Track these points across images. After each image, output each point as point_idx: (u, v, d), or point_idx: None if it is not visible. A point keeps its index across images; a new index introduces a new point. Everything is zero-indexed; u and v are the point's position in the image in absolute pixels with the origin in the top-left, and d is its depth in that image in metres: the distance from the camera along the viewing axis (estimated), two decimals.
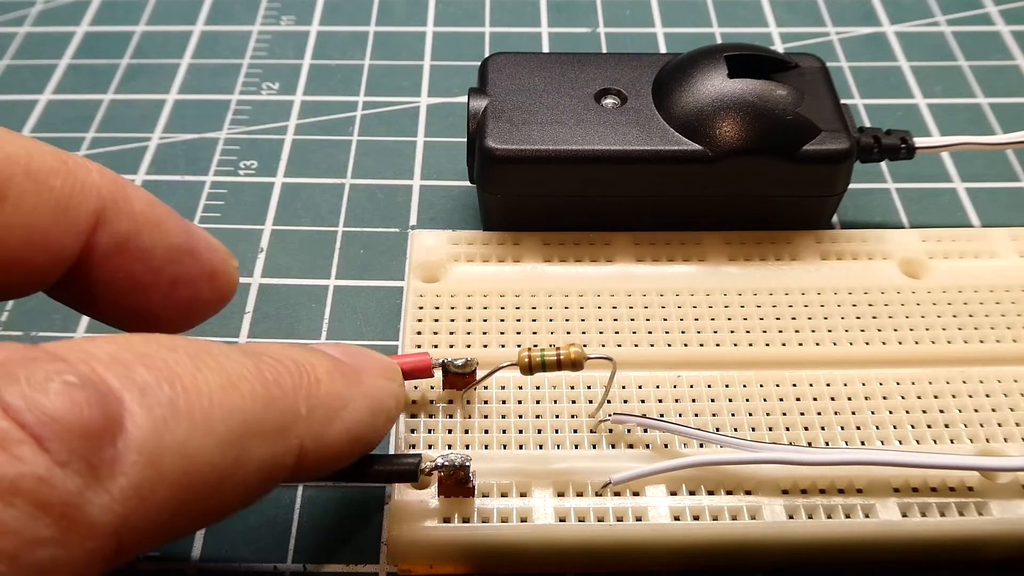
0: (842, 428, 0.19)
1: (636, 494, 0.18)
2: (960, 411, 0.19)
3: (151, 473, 0.12)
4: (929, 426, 0.19)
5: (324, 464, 0.15)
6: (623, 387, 0.20)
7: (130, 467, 0.12)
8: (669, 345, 0.21)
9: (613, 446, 0.19)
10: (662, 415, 0.19)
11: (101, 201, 0.16)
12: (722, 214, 0.23)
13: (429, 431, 0.19)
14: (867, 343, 0.21)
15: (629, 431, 0.19)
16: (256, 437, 0.13)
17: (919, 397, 0.20)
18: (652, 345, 0.21)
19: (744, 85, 0.22)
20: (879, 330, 0.21)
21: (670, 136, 0.22)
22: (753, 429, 0.19)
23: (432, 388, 0.19)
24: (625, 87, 0.23)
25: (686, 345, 0.21)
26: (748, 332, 0.21)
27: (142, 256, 0.16)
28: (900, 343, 0.21)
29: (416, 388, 0.19)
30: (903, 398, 0.20)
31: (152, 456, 0.12)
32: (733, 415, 0.19)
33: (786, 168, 0.22)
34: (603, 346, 0.20)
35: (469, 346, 0.20)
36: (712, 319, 0.21)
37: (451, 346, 0.20)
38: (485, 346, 0.20)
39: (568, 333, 0.21)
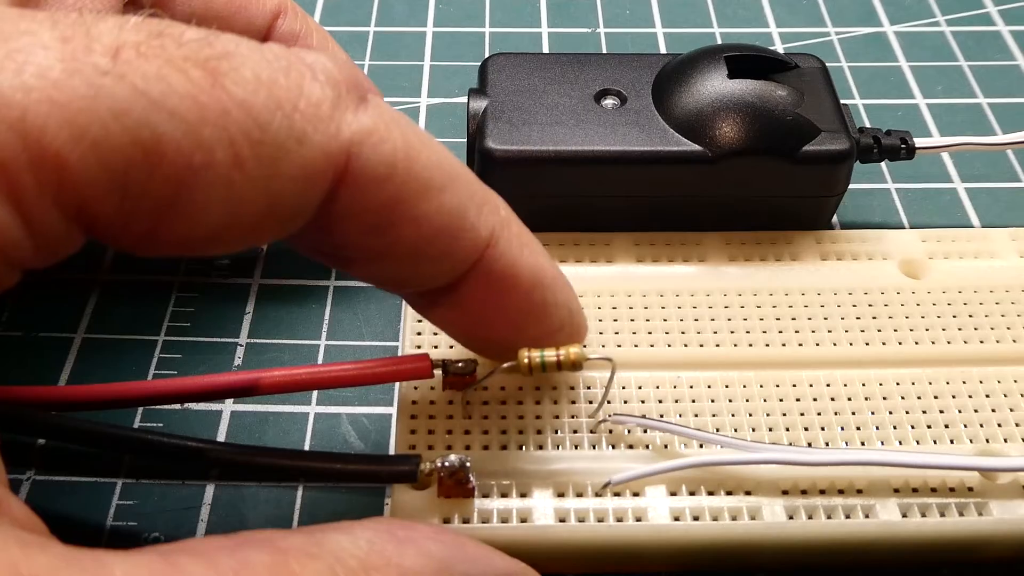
0: (842, 428, 0.19)
1: (636, 494, 0.18)
2: (960, 411, 0.19)
3: None
4: (929, 426, 0.19)
5: None
6: (623, 387, 0.20)
7: None
8: (669, 345, 0.21)
9: (613, 446, 0.19)
10: (662, 415, 0.19)
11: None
12: (722, 214, 0.23)
13: (429, 431, 0.19)
14: (867, 343, 0.21)
15: (629, 431, 0.19)
16: None
17: (919, 397, 0.20)
18: (652, 345, 0.21)
19: (744, 85, 0.22)
20: (879, 330, 0.21)
21: (670, 136, 0.22)
22: (753, 429, 0.19)
23: (432, 388, 0.19)
24: (625, 87, 0.23)
25: (686, 345, 0.21)
26: (748, 332, 0.21)
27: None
28: (900, 343, 0.21)
29: (416, 388, 0.19)
30: (903, 398, 0.20)
31: None
32: (733, 415, 0.19)
33: (786, 168, 0.22)
34: (603, 346, 0.20)
35: None
36: (712, 319, 0.21)
37: (451, 347, 0.20)
38: None
39: None
